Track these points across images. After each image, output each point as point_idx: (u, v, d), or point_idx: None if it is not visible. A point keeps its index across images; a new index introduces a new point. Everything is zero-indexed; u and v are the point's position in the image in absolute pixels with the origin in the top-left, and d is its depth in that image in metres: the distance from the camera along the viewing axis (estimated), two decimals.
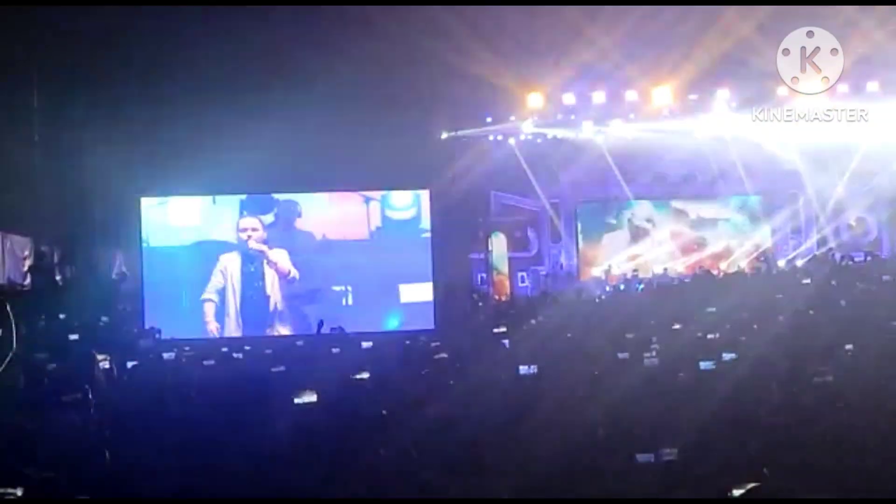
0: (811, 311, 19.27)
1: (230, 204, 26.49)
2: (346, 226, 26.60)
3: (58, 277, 23.91)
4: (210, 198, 26.44)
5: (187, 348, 18.35)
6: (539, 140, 30.67)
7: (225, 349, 17.83)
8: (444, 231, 26.70)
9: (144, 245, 26.01)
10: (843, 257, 28.01)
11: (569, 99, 27.63)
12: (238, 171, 24.05)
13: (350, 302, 26.40)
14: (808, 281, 24.53)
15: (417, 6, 23.26)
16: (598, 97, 27.50)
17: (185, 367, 15.40)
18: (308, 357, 16.28)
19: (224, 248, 26.19)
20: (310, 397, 10.97)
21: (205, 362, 15.88)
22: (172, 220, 26.29)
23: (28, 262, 23.65)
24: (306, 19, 23.36)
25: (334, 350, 16.74)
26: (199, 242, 26.16)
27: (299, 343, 19.49)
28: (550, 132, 30.13)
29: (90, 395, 9.54)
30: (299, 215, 26.54)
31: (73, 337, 17.88)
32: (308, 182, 26.14)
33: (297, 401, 10.95)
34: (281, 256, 26.21)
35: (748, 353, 13.67)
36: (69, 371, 11.92)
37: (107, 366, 13.75)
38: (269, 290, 26.24)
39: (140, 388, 12.69)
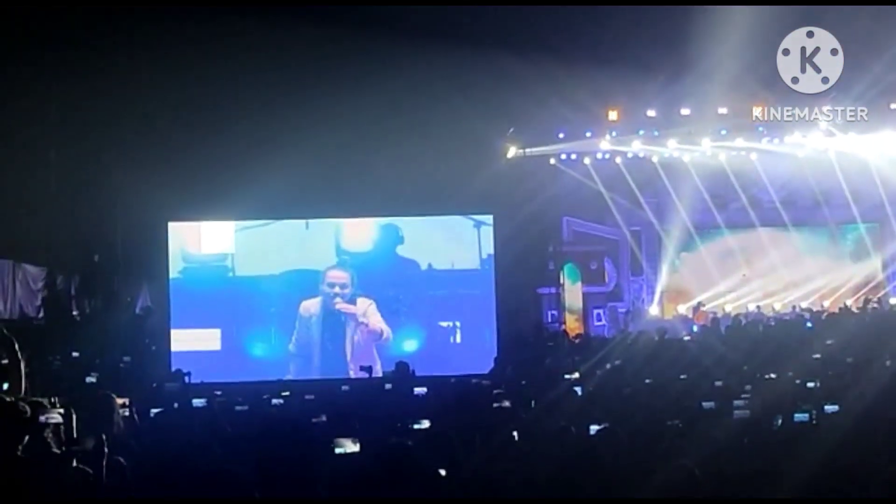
0: None
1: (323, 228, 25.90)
2: (454, 253, 26.22)
3: (74, 312, 24.06)
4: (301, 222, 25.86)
5: (219, 393, 18.34)
6: (618, 159, 30.59)
7: (265, 396, 17.78)
8: (509, 261, 26.50)
9: (175, 276, 24.87)
10: None
11: (652, 114, 27.40)
12: (281, 193, 23.89)
13: (458, 339, 26.38)
14: None
15: (482, 5, 23.35)
16: (685, 112, 27.20)
17: (217, 416, 15.40)
18: (354, 404, 16.25)
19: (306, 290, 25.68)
20: (352, 447, 10.96)
21: (237, 408, 15.91)
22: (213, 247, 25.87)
23: (42, 295, 23.81)
24: (355, 21, 23.34)
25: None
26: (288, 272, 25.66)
27: (345, 388, 19.43)
28: (631, 150, 30.04)
29: (105, 447, 9.52)
30: (401, 241, 26.25)
31: (91, 379, 17.99)
32: (353, 206, 25.69)
33: (337, 451, 10.95)
34: (370, 312, 25.65)
35: (853, 404, 13.52)
36: (83, 418, 11.93)
37: (126, 413, 13.79)
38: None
39: (164, 438, 12.67)
